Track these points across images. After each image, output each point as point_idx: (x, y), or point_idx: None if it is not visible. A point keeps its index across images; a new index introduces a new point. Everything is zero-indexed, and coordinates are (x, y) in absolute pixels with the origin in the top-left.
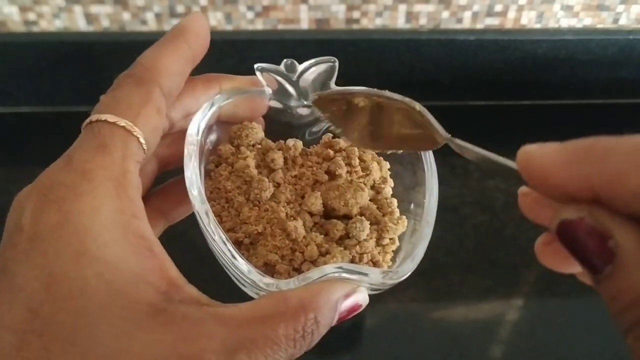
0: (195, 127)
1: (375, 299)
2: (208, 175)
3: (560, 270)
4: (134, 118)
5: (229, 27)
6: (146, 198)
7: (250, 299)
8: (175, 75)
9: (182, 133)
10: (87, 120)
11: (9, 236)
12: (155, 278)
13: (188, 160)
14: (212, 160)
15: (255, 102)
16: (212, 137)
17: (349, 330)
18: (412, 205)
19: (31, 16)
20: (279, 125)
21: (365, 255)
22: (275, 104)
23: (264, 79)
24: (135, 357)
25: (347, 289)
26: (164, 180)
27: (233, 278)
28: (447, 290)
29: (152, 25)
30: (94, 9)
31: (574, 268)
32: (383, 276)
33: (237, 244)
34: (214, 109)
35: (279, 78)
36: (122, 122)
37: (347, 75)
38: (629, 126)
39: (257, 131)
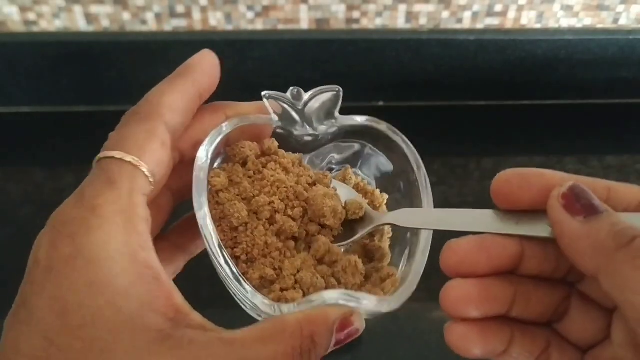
0: (204, 153)
1: None
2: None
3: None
4: (140, 153)
5: (229, 27)
6: (164, 235)
7: (254, 321)
8: (179, 111)
9: (194, 163)
10: (97, 158)
11: (29, 272)
12: (162, 305)
13: (197, 184)
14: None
15: (260, 128)
16: (220, 163)
17: None
18: (408, 234)
19: (31, 16)
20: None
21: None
22: (280, 130)
23: (271, 106)
24: None
25: (344, 312)
26: (183, 213)
27: (237, 300)
28: None
29: (152, 25)
30: (94, 9)
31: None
32: (378, 303)
33: (235, 258)
34: (221, 136)
35: (286, 105)
36: (129, 158)
37: (347, 75)
38: (629, 126)
39: (249, 146)
